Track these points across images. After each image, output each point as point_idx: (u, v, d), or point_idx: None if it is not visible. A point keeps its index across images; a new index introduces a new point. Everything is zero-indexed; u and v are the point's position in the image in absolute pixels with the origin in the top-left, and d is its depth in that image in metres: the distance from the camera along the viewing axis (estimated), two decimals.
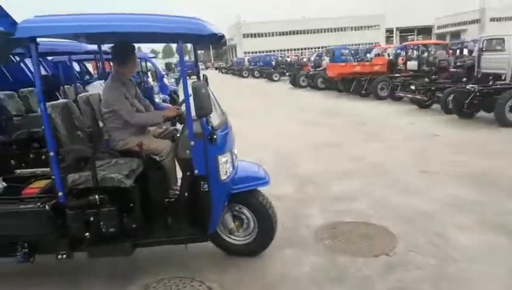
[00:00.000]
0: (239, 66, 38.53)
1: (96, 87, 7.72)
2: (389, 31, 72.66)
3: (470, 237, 3.62)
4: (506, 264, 3.15)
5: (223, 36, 3.20)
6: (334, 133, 8.72)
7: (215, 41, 3.26)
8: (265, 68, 30.62)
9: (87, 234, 2.90)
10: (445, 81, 11.23)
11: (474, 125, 8.55)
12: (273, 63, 30.39)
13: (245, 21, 75.86)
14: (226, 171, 3.01)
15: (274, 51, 53.72)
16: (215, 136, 2.87)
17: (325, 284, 3.03)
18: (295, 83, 20.88)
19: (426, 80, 11.82)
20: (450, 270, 3.10)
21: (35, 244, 2.97)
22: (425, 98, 10.61)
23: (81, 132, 3.36)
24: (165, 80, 13.61)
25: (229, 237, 3.38)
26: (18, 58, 6.50)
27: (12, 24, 3.21)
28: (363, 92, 14.56)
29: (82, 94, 4.17)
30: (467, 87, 8.75)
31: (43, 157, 4.71)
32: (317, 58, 23.06)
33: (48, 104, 2.93)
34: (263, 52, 45.56)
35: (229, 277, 3.17)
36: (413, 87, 10.99)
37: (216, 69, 52.86)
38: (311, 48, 56.26)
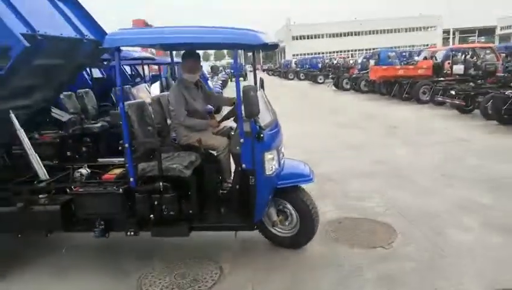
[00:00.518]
0: (286, 68, 38.86)
1: (141, 89, 8.55)
2: (447, 32, 69.31)
3: (467, 236, 3.83)
4: (491, 260, 3.37)
5: (276, 45, 3.60)
6: (364, 135, 8.90)
7: (268, 48, 3.65)
8: (311, 70, 30.74)
9: (152, 215, 3.33)
10: (491, 86, 10.90)
11: None
12: (319, 65, 30.39)
13: (295, 23, 75.92)
14: (272, 167, 3.30)
15: (323, 53, 53.09)
16: (262, 135, 3.17)
17: (320, 268, 3.42)
18: (338, 86, 20.91)
19: (471, 84, 11.54)
20: (437, 264, 3.36)
21: (110, 222, 3.45)
22: (464, 103, 10.41)
23: (152, 127, 3.85)
24: (209, 83, 14.34)
25: (274, 228, 3.70)
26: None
27: (102, 35, 3.89)
28: (404, 95, 14.41)
29: (154, 95, 4.74)
30: (506, 92, 8.53)
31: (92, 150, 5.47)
32: (364, 60, 22.74)
33: (125, 103, 3.37)
34: (312, 54, 45.17)
35: (239, 260, 3.61)
36: (453, 92, 10.81)
37: (264, 71, 52.79)
38: (363, 50, 55.15)
